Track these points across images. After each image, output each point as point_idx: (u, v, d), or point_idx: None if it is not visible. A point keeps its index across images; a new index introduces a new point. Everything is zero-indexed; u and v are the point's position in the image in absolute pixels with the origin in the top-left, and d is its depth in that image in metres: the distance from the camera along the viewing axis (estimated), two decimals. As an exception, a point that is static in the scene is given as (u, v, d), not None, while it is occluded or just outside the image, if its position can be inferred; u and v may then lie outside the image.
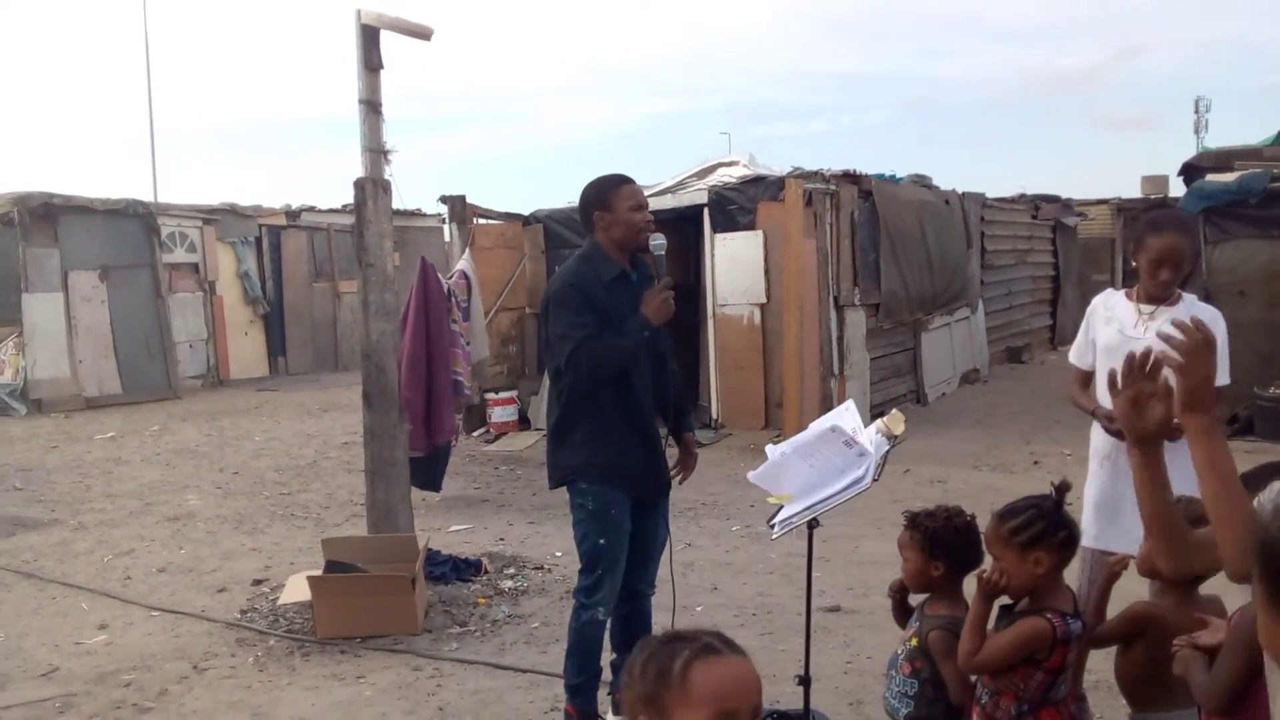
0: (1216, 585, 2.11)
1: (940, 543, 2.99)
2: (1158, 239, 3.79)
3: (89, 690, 4.74)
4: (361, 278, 5.92)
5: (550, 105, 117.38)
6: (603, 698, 4.19)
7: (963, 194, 14.20)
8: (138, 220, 15.82)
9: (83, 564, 6.88)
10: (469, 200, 11.29)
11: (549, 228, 11.80)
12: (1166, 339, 1.92)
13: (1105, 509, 3.92)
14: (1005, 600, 2.82)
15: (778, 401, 10.45)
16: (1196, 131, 37.21)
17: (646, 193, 4.35)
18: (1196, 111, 37.90)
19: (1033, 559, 2.69)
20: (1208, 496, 1.78)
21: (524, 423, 11.39)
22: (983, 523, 2.92)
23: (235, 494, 8.94)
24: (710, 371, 11.00)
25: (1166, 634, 2.68)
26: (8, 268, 14.58)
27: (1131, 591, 3.23)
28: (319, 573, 5.47)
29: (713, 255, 10.87)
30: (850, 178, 11.08)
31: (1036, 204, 17.35)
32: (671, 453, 4.19)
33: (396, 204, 6.10)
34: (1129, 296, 3.98)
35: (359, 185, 5.78)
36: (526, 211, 12.11)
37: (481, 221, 11.63)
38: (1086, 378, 4.12)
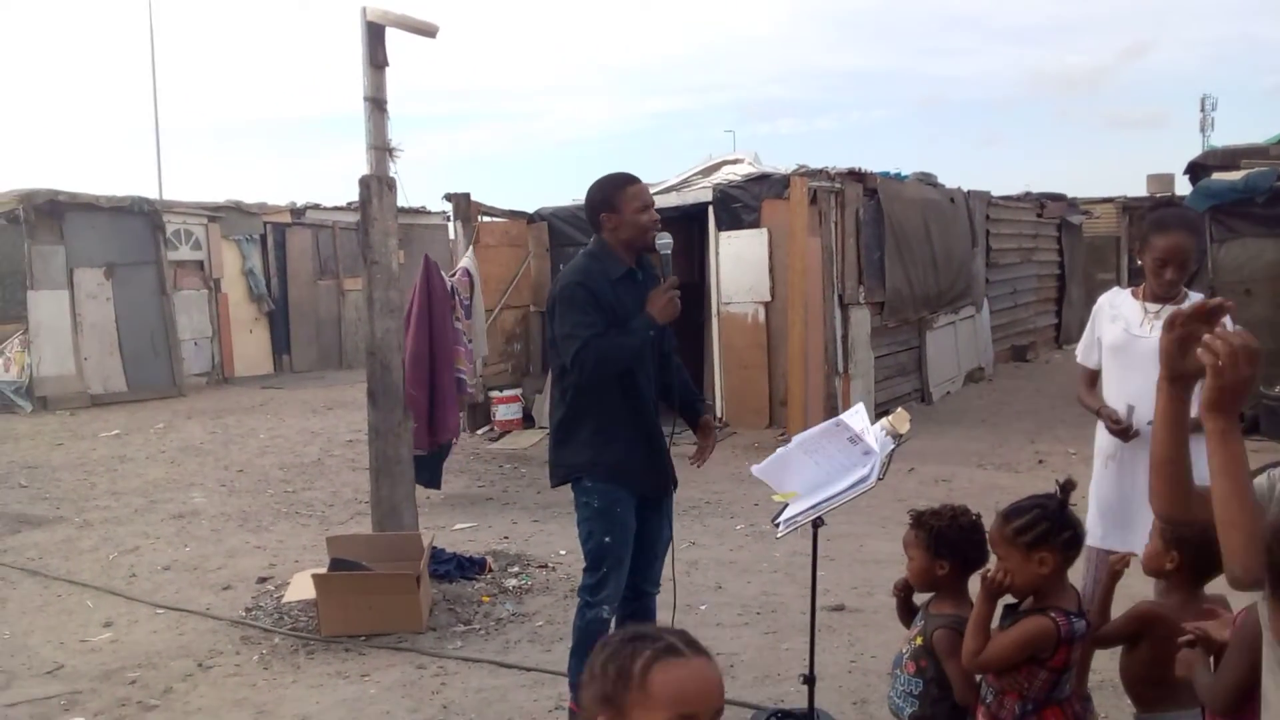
0: (1222, 585, 2.11)
1: (945, 542, 2.99)
2: (1162, 238, 3.79)
3: (94, 688, 4.75)
4: (366, 275, 5.93)
5: (555, 103, 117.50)
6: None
7: (968, 192, 14.18)
8: (143, 217, 15.84)
9: (88, 561, 6.89)
10: (474, 198, 11.28)
11: (553, 225, 11.80)
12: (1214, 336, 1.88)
13: (1110, 508, 3.92)
14: (1009, 599, 2.81)
15: (782, 400, 10.45)
16: (1203, 130, 37.25)
17: (651, 191, 4.35)
18: (1203, 110, 37.94)
19: (1037, 559, 2.69)
20: (1218, 499, 1.77)
21: (528, 421, 11.40)
22: (988, 522, 2.92)
23: (240, 492, 8.95)
24: (714, 370, 11.00)
25: (1171, 634, 2.68)
26: (13, 265, 14.61)
27: (1136, 591, 3.23)
28: (324, 571, 5.48)
29: (717, 253, 10.86)
30: (855, 176, 11.07)
31: (1042, 202, 17.32)
32: (676, 455, 4.19)
33: (401, 201, 6.10)
34: (1135, 295, 3.98)
35: (364, 183, 5.79)
36: (531, 209, 12.11)
37: (486, 219, 11.62)
38: (1093, 377, 4.11)
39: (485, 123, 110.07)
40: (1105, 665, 3.59)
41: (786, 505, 3.54)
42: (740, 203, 10.71)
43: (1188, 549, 2.79)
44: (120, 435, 12.12)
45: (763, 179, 10.73)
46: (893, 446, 3.41)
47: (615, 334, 3.83)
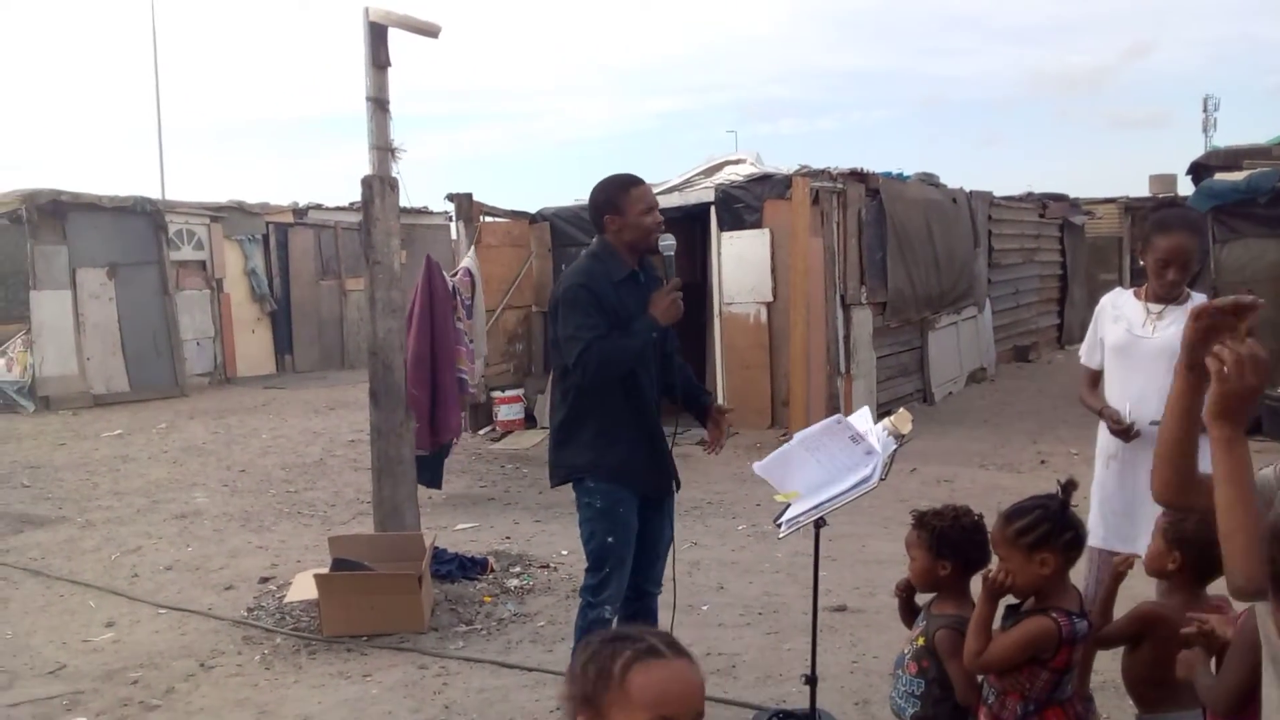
0: (1224, 586, 2.11)
1: (948, 542, 2.99)
2: (1164, 239, 3.79)
3: (96, 688, 4.75)
4: (369, 275, 5.93)
5: (557, 103, 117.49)
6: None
7: (970, 192, 14.18)
8: (145, 218, 15.85)
9: (90, 561, 6.90)
10: (476, 198, 11.29)
11: (556, 225, 11.80)
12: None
13: (1112, 509, 3.92)
14: (1011, 600, 2.81)
15: (784, 400, 10.45)
16: (1205, 130, 37.20)
17: (653, 191, 4.35)
18: (1205, 110, 37.89)
19: (1038, 560, 2.69)
20: (1221, 507, 1.77)
21: (530, 421, 11.41)
22: (990, 522, 2.92)
23: (242, 492, 8.96)
24: (716, 370, 10.99)
25: (1173, 634, 2.68)
26: (16, 265, 14.63)
27: (1139, 592, 3.23)
28: (325, 571, 5.48)
29: (719, 254, 10.85)
30: (857, 176, 11.07)
31: (1044, 202, 17.32)
32: (678, 455, 4.18)
33: (403, 202, 6.11)
34: (1137, 295, 3.98)
35: (366, 183, 5.79)
36: (533, 209, 12.11)
37: (488, 219, 11.62)
38: (1095, 377, 4.11)
39: (487, 123, 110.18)
40: (1107, 666, 3.58)
41: (789, 505, 3.54)
42: (742, 203, 10.71)
43: (1190, 550, 2.79)
44: (122, 435, 12.13)
45: (765, 179, 10.72)
46: (895, 447, 3.41)
47: (618, 336, 3.83)
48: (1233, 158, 10.79)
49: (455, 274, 9.29)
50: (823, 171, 10.62)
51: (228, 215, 17.52)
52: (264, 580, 6.32)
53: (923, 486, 8.10)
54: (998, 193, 15.51)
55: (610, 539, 3.93)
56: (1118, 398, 3.92)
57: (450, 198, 11.31)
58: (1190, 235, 3.89)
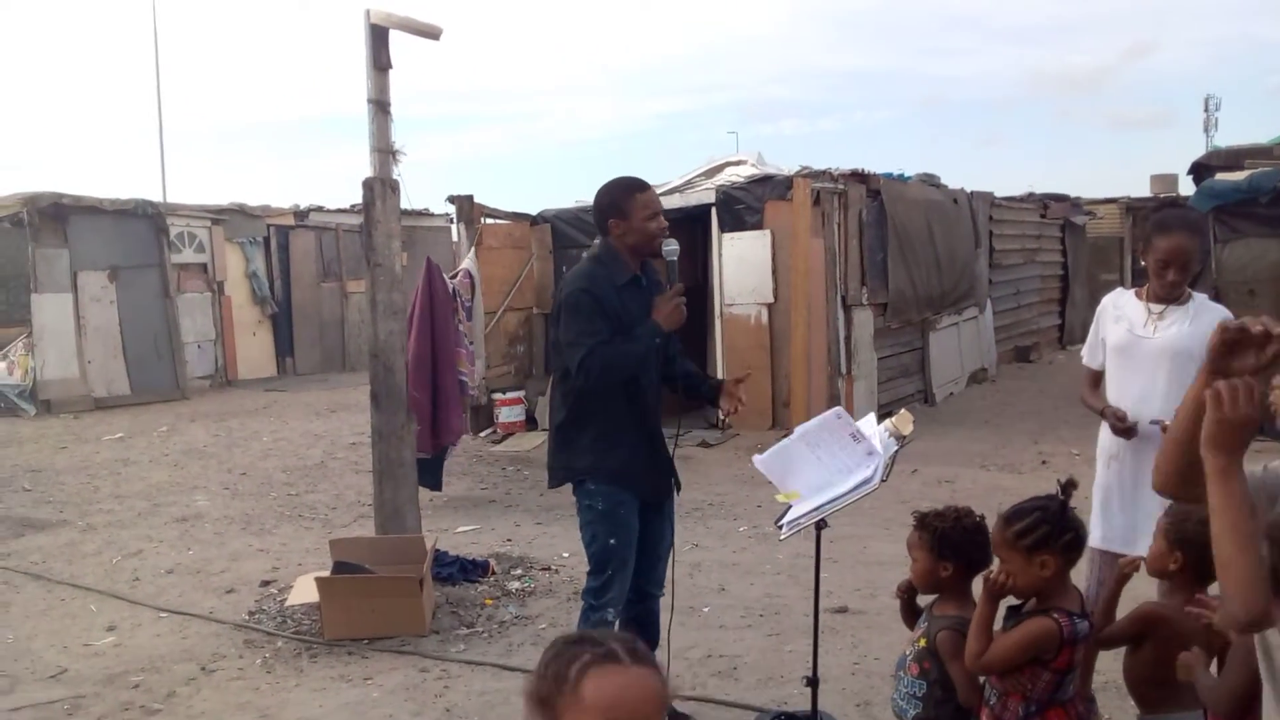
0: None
1: (949, 543, 2.98)
2: (1164, 240, 3.79)
3: (97, 692, 4.75)
4: (370, 278, 5.93)
5: (558, 104, 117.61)
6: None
7: (971, 193, 14.17)
8: (146, 220, 15.85)
9: (91, 565, 6.89)
10: (476, 200, 11.29)
11: (557, 227, 11.80)
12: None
13: (1113, 509, 3.91)
14: (1012, 600, 2.81)
15: (785, 401, 10.44)
16: (1206, 130, 37.25)
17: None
18: (1206, 110, 37.95)
19: (1039, 561, 2.68)
20: (1216, 537, 1.76)
21: (531, 423, 11.40)
22: (991, 523, 2.91)
23: (243, 495, 8.95)
24: (717, 371, 10.97)
25: (1175, 635, 2.68)
26: (17, 268, 14.64)
27: (1140, 592, 3.23)
28: (327, 574, 5.47)
29: (720, 255, 10.86)
30: (858, 177, 11.07)
31: (1045, 203, 17.30)
32: (679, 456, 4.18)
33: (404, 204, 6.11)
34: (1138, 296, 3.97)
35: (368, 185, 5.79)
36: (534, 211, 12.11)
37: (489, 221, 11.62)
38: (1097, 377, 4.11)
39: (488, 124, 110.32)
40: (1109, 666, 3.58)
41: (790, 507, 3.54)
42: (743, 204, 10.71)
43: (1191, 550, 2.78)
44: (124, 438, 12.13)
45: (766, 180, 10.72)
46: (896, 448, 3.41)
47: (620, 341, 3.82)
48: (1234, 158, 10.80)
49: (454, 276, 9.29)
50: (824, 172, 10.62)
51: (229, 218, 17.52)
52: (265, 583, 6.31)
53: (924, 487, 8.10)
54: (999, 193, 15.51)
55: (612, 541, 3.93)
56: (1119, 397, 3.92)
57: (451, 200, 11.32)
58: (1190, 236, 3.88)
